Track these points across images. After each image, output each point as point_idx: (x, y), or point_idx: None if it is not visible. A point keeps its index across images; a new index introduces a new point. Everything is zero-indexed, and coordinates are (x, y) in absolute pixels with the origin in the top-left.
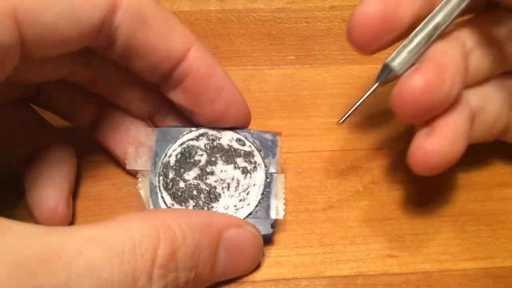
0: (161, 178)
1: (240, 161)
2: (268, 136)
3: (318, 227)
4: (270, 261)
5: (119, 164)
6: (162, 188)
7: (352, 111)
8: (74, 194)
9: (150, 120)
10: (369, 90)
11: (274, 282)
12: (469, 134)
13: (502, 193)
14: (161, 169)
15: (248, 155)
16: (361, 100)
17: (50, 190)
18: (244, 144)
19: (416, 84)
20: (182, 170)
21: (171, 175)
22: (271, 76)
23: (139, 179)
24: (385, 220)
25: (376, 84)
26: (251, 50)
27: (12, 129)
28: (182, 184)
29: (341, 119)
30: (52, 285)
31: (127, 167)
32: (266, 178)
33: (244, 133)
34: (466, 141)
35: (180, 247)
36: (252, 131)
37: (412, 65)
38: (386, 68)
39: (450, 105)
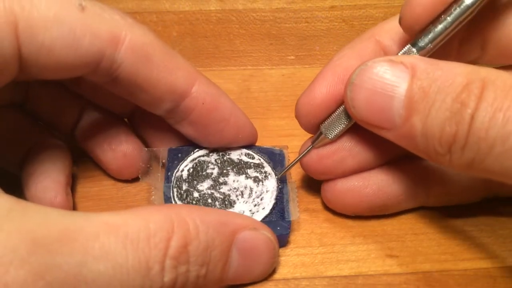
0: (174, 189)
1: (251, 172)
2: (276, 151)
3: (318, 227)
4: None
5: None
6: (176, 199)
7: (289, 168)
8: (74, 194)
9: (131, 118)
10: (304, 151)
11: (274, 282)
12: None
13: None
14: (174, 182)
15: (258, 166)
16: (297, 159)
17: (47, 182)
18: (253, 158)
19: (311, 158)
20: (195, 182)
21: (184, 187)
22: (271, 76)
23: (153, 192)
24: (385, 220)
25: (311, 146)
26: (251, 50)
27: (5, 132)
28: (196, 194)
29: (279, 174)
30: (69, 264)
31: (141, 180)
32: (278, 185)
33: (252, 149)
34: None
35: (192, 241)
36: (259, 147)
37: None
38: (320, 134)
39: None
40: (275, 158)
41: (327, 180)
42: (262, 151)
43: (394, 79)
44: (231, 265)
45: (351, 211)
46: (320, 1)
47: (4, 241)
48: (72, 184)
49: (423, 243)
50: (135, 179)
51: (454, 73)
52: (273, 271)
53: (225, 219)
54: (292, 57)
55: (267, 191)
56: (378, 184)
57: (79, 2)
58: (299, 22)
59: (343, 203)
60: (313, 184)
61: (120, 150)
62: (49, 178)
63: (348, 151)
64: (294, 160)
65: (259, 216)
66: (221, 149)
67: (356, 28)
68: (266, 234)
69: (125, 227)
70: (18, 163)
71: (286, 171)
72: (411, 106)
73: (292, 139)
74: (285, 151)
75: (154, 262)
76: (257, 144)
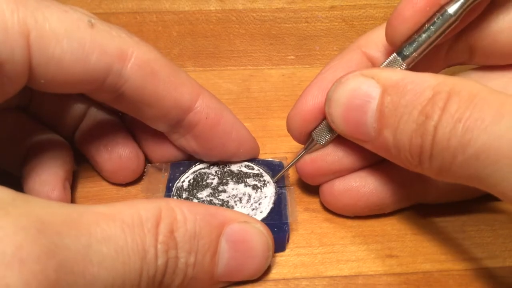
0: (174, 197)
1: (250, 181)
2: (275, 162)
3: (318, 227)
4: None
5: None
6: None
7: (283, 172)
8: (74, 194)
9: (132, 133)
10: (297, 156)
11: (274, 282)
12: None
13: None
14: (175, 191)
15: (257, 176)
16: (291, 164)
17: (45, 176)
18: (252, 169)
19: (305, 160)
20: (195, 191)
21: (184, 195)
22: (271, 76)
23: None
24: (385, 220)
25: (303, 152)
26: (251, 50)
27: (7, 133)
28: (195, 201)
29: (275, 178)
30: (76, 245)
31: (142, 193)
32: (276, 191)
33: (252, 161)
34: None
35: (179, 228)
36: (259, 159)
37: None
38: (312, 141)
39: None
40: (274, 169)
41: (325, 182)
42: (262, 163)
43: (366, 95)
44: (221, 257)
45: (350, 211)
46: (320, 1)
47: (14, 221)
48: (72, 184)
49: (423, 243)
50: (135, 180)
51: (423, 86)
52: (273, 271)
53: (214, 211)
54: (292, 57)
55: (265, 197)
56: (375, 183)
57: (89, 19)
58: (299, 22)
59: (341, 204)
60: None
61: (116, 151)
62: (47, 172)
63: (341, 151)
64: (288, 165)
65: (257, 218)
66: (222, 162)
67: (356, 28)
68: (258, 227)
69: (119, 215)
70: (19, 163)
71: (281, 175)
72: (382, 120)
73: (291, 139)
74: (284, 162)
75: (150, 246)
76: (258, 144)
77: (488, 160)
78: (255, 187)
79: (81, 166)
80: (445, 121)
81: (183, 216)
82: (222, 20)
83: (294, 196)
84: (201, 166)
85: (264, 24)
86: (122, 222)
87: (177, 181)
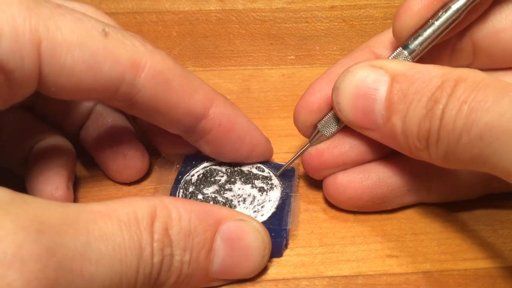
0: (181, 191)
1: (258, 183)
2: (287, 167)
3: (318, 227)
4: (270, 261)
5: None
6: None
7: (288, 165)
8: (74, 194)
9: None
10: (302, 149)
11: (274, 282)
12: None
13: (502, 193)
14: (183, 184)
15: (266, 178)
16: (295, 156)
17: (49, 175)
18: (263, 171)
19: (310, 153)
20: (202, 186)
21: (191, 189)
22: (271, 76)
23: (160, 191)
24: (385, 220)
25: (308, 144)
26: (251, 50)
27: (11, 132)
28: (200, 196)
29: (279, 171)
30: (75, 244)
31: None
32: (282, 196)
33: (264, 163)
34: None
35: (174, 226)
36: (271, 162)
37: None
38: (317, 132)
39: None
40: (285, 173)
41: (328, 175)
42: (274, 166)
43: (375, 83)
44: (216, 255)
45: (353, 205)
46: (320, 1)
47: (14, 221)
48: (73, 183)
49: (423, 243)
50: (137, 180)
51: (430, 75)
52: (273, 271)
53: (210, 209)
54: (292, 57)
55: (269, 201)
56: (379, 176)
57: (103, 28)
58: (299, 22)
59: (345, 197)
60: (313, 184)
61: (121, 151)
62: (51, 171)
63: (348, 144)
64: (293, 157)
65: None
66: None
67: (356, 28)
68: (254, 225)
69: (115, 213)
70: (22, 162)
71: (285, 167)
72: (391, 107)
73: (292, 139)
74: (296, 168)
75: (146, 244)
76: (271, 147)
77: (491, 138)
78: (261, 190)
79: (81, 166)
80: (451, 104)
81: (178, 214)
82: (222, 20)
83: (299, 204)
84: (213, 162)
85: (264, 24)
86: (119, 220)
87: (187, 174)
